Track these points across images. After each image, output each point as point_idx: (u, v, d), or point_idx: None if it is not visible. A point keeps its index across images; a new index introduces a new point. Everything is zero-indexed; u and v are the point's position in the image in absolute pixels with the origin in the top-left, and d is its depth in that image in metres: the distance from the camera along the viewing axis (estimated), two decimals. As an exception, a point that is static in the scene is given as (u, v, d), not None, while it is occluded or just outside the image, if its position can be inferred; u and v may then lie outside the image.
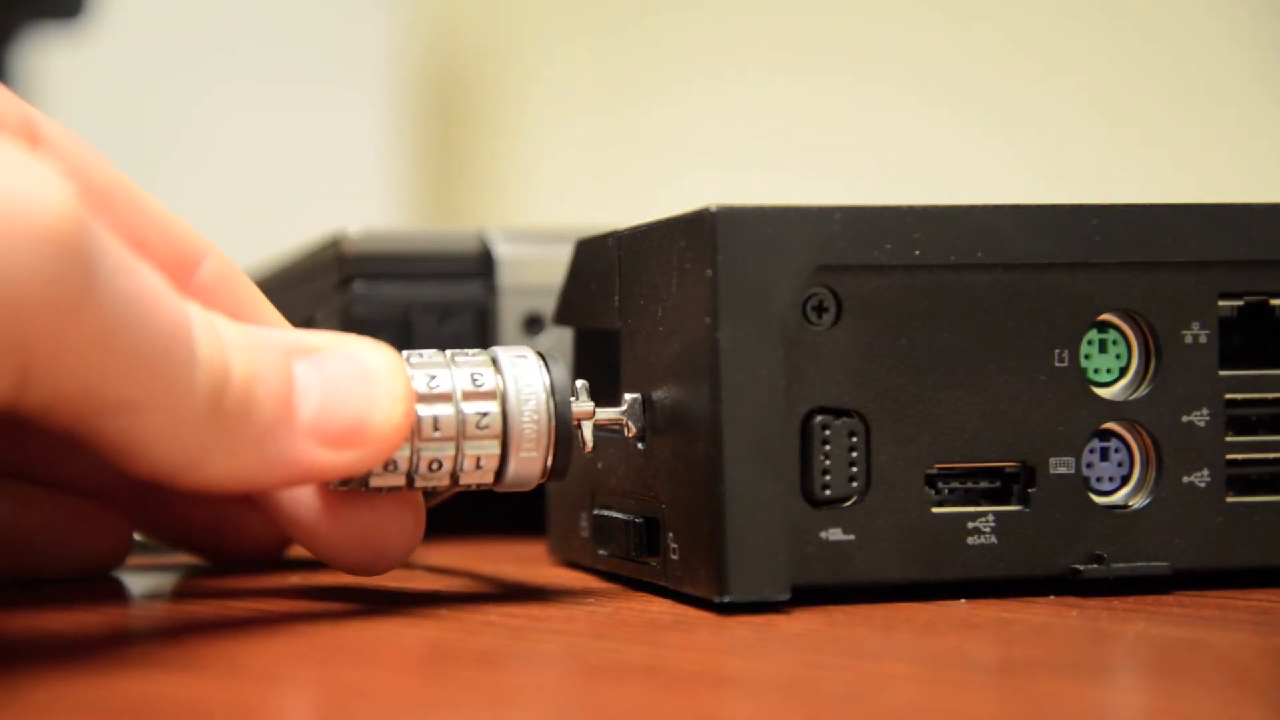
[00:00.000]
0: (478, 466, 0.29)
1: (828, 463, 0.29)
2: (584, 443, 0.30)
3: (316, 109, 1.37)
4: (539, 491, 0.33)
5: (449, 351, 0.29)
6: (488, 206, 1.45)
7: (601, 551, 0.32)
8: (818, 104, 1.23)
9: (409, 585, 0.33)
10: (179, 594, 0.34)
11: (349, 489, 0.29)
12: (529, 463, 0.29)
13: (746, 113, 1.27)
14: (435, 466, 0.29)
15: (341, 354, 0.28)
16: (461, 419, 0.29)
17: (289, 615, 0.29)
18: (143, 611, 0.32)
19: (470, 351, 0.29)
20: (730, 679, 0.24)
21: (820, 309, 0.29)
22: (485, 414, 0.29)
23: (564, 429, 0.29)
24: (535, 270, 0.42)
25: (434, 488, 0.29)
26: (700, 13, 1.30)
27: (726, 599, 0.28)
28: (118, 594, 0.33)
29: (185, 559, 0.38)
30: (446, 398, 0.29)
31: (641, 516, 0.31)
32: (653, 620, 0.28)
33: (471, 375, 0.29)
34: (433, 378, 0.29)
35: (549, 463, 0.29)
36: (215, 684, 0.23)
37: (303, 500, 0.30)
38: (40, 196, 0.22)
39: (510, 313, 0.42)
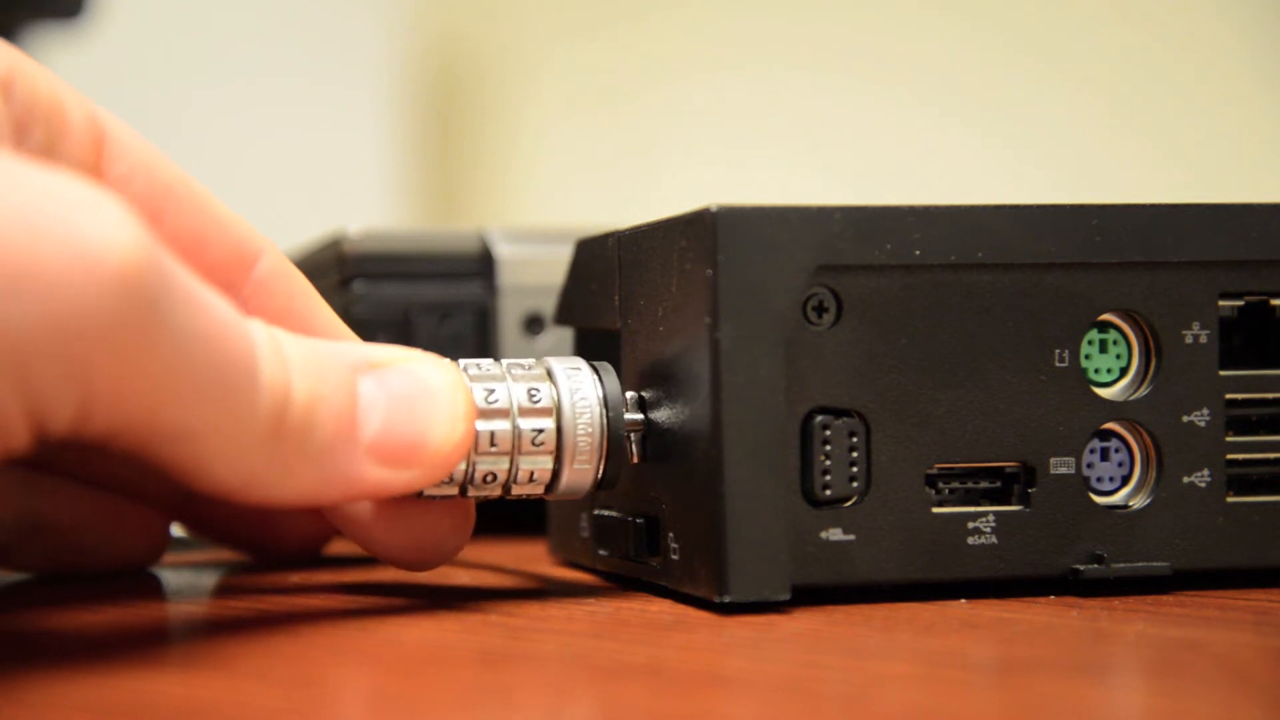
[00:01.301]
0: (531, 479, 0.29)
1: (828, 463, 0.29)
2: (632, 454, 0.30)
3: (316, 109, 1.37)
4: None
5: (505, 362, 0.30)
6: (488, 206, 1.45)
7: (601, 551, 0.32)
8: (818, 104, 1.23)
9: (409, 585, 0.33)
10: (178, 594, 0.34)
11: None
12: (581, 474, 0.29)
13: (746, 113, 1.27)
14: (489, 479, 0.29)
15: (404, 370, 0.28)
16: (518, 435, 0.29)
17: (289, 615, 0.29)
18: (142, 611, 0.32)
19: (525, 363, 0.30)
20: (730, 679, 0.24)
21: (820, 309, 0.29)
22: (541, 430, 0.29)
23: (616, 441, 0.29)
24: (535, 270, 0.42)
25: (486, 497, 0.30)
26: (700, 12, 1.30)
27: (726, 599, 0.28)
28: (119, 594, 0.33)
29: (213, 556, 0.38)
30: (504, 414, 0.29)
31: (641, 516, 0.31)
32: (653, 620, 0.28)
33: (529, 391, 0.29)
34: (490, 392, 0.29)
35: (600, 474, 0.30)
36: (213, 684, 0.23)
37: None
38: (108, 235, 0.22)
39: (510, 313, 0.42)
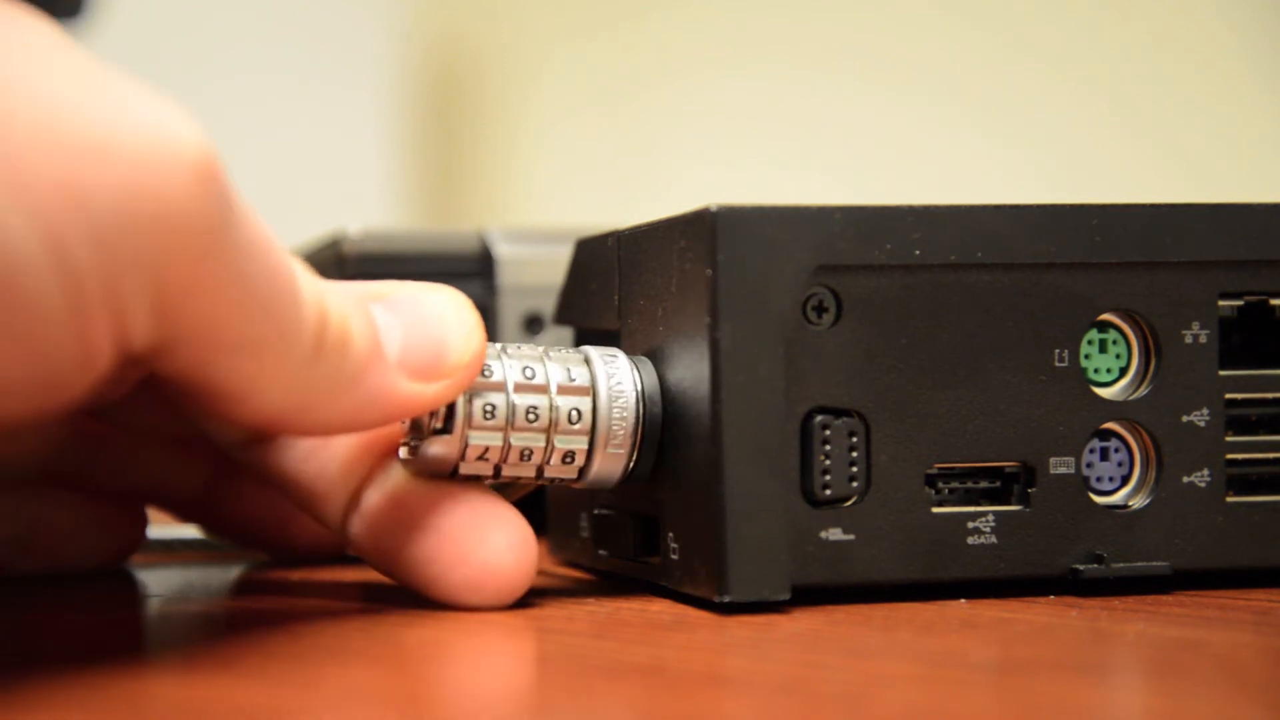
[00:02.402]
0: (564, 461, 0.29)
1: (828, 463, 0.29)
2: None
3: (316, 108, 1.37)
4: (539, 491, 0.33)
5: (541, 347, 0.30)
6: (488, 206, 1.45)
7: (601, 551, 0.32)
8: (818, 103, 1.23)
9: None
10: (176, 593, 0.34)
11: (437, 478, 0.29)
12: (614, 460, 0.30)
13: (746, 112, 1.27)
14: (526, 455, 0.29)
15: (409, 296, 0.29)
16: (555, 410, 0.29)
17: (288, 614, 0.29)
18: (140, 611, 0.32)
19: (563, 349, 0.30)
20: (730, 679, 0.24)
21: (820, 309, 0.29)
22: (578, 409, 0.29)
23: (651, 433, 0.30)
24: (535, 270, 0.42)
25: (518, 479, 0.30)
26: (700, 12, 1.30)
27: (726, 599, 0.28)
28: (115, 594, 0.33)
29: (212, 556, 0.38)
30: (542, 389, 0.29)
31: (641, 516, 0.31)
32: (653, 620, 0.28)
33: (567, 370, 0.30)
34: (528, 369, 0.29)
35: (631, 463, 0.30)
36: (211, 684, 0.23)
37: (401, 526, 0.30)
38: (187, 129, 0.23)
39: (510, 313, 0.42)
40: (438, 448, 0.29)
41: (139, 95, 0.23)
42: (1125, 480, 0.30)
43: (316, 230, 0.46)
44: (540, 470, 0.30)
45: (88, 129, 0.22)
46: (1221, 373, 0.30)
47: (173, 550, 0.39)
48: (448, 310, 0.29)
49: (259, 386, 0.26)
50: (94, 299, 0.22)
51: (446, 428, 0.29)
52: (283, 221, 0.32)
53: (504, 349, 0.30)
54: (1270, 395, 0.31)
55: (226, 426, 0.29)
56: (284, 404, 0.26)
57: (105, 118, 0.22)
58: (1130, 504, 0.30)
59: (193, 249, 0.23)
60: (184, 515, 0.36)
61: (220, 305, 0.24)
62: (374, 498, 0.30)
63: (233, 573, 0.36)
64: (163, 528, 0.38)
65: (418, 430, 0.29)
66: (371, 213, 1.33)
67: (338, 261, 0.41)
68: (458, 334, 0.28)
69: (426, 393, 0.28)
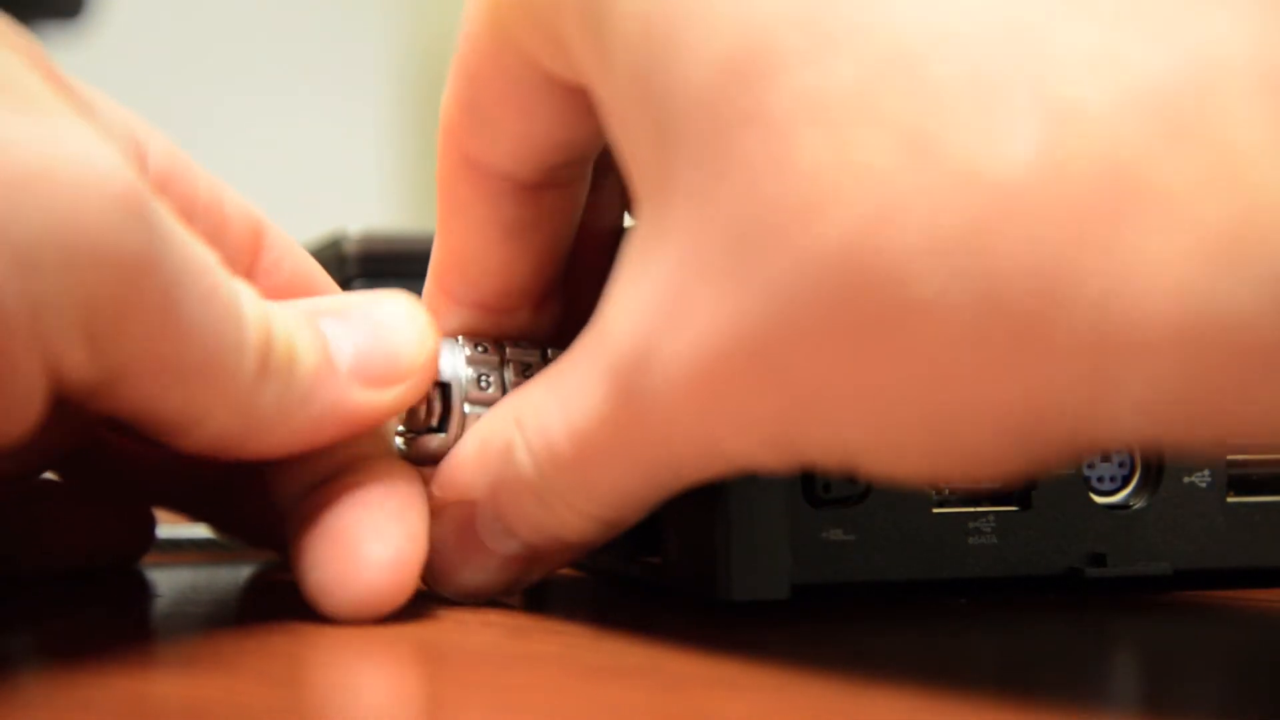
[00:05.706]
0: None
1: (828, 463, 0.29)
2: None
3: (316, 109, 1.37)
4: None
5: (539, 348, 0.30)
6: (488, 207, 1.44)
7: (600, 551, 0.32)
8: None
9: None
10: (177, 593, 0.34)
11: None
12: None
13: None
14: None
15: (358, 306, 0.29)
16: None
17: (291, 614, 0.29)
18: (141, 612, 0.32)
19: (523, 343, 0.30)
20: (730, 679, 0.24)
21: (820, 309, 0.29)
22: None
23: None
24: (535, 270, 0.42)
25: None
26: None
27: (726, 599, 0.28)
28: (122, 593, 0.33)
29: (211, 556, 0.38)
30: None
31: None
32: (653, 620, 0.28)
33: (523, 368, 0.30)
34: (527, 367, 0.30)
35: None
36: (212, 684, 0.23)
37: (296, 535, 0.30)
38: (114, 164, 0.23)
39: (510, 313, 0.42)
40: (435, 443, 0.29)
41: (72, 131, 0.23)
42: (1126, 480, 0.30)
43: (316, 230, 0.46)
44: None
45: (14, 164, 0.22)
46: (1222, 373, 0.30)
47: (182, 550, 0.39)
48: (399, 315, 0.29)
49: (206, 413, 0.26)
50: (20, 328, 0.22)
51: (441, 427, 0.29)
52: (283, 221, 0.32)
53: (504, 348, 0.30)
54: (1270, 395, 0.31)
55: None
56: (234, 428, 0.26)
57: (34, 152, 0.22)
58: (1130, 504, 0.30)
59: (117, 280, 0.23)
60: (194, 515, 0.36)
61: (154, 334, 0.24)
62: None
63: (242, 573, 0.36)
64: (172, 527, 0.38)
65: (414, 417, 0.30)
66: (371, 213, 1.33)
67: (338, 261, 0.41)
68: (411, 337, 0.28)
69: (384, 399, 0.28)
